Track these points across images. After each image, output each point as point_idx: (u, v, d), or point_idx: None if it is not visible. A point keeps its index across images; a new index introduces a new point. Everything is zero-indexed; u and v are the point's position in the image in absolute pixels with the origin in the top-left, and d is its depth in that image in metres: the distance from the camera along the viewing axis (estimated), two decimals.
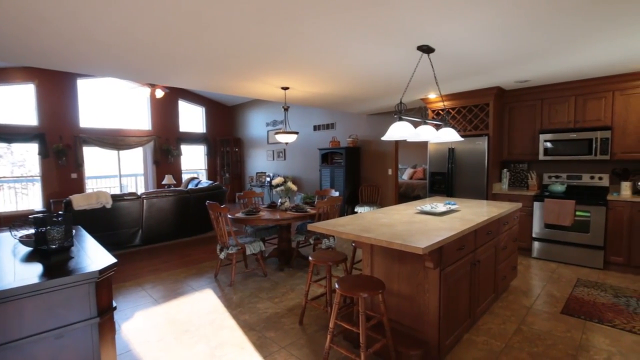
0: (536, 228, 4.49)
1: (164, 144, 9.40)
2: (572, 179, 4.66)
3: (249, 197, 4.93)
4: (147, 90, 6.82)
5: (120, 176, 8.93)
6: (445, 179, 5.22)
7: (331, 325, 2.10)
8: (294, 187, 4.34)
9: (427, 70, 3.62)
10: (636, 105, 4.03)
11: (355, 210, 7.05)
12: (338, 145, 7.51)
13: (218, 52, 3.04)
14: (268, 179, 9.46)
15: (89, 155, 8.27)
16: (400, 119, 2.56)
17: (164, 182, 8.83)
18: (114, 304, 1.77)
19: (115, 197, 4.89)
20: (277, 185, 4.39)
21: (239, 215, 3.93)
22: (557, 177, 4.79)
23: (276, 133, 4.48)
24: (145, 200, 5.17)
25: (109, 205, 4.74)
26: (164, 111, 9.43)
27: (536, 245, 4.52)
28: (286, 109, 4.55)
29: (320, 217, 3.88)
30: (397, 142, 6.88)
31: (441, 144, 5.20)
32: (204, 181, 7.86)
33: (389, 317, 2.33)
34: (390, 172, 7.00)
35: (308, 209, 4.25)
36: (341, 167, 7.23)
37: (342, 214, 6.89)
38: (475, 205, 3.40)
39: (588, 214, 4.10)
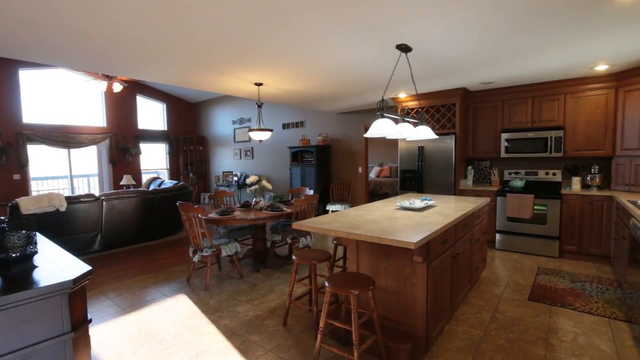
0: (499, 221, 4.77)
1: (121, 142, 8.79)
2: (530, 175, 5.01)
3: (220, 196, 4.75)
4: (104, 83, 6.33)
5: (72, 177, 8.22)
6: (415, 176, 5.38)
7: (321, 324, 2.07)
8: (269, 186, 4.24)
9: (402, 69, 3.69)
10: (584, 107, 4.41)
11: (327, 208, 7.06)
12: (308, 143, 7.48)
13: (194, 44, 2.88)
14: (235, 178, 9.21)
15: (34, 154, 7.51)
16: (383, 116, 2.58)
17: (122, 183, 8.26)
18: (89, 316, 1.61)
19: (70, 199, 4.48)
20: (252, 184, 4.27)
21: (213, 215, 3.77)
22: (516, 173, 5.12)
23: (249, 130, 4.35)
24: (104, 202, 4.79)
25: (63, 208, 4.33)
26: (121, 107, 8.82)
27: (499, 237, 4.81)
28: (260, 106, 4.43)
29: (298, 216, 3.82)
30: (366, 141, 6.99)
31: (411, 142, 5.36)
32: (168, 181, 7.46)
33: (378, 313, 2.34)
34: (360, 170, 7.09)
35: (284, 208, 4.18)
36: (312, 166, 7.21)
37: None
38: (449, 200, 3.53)
39: (545, 208, 4.42)
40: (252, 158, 9.15)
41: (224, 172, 9.68)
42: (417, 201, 3.21)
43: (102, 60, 3.31)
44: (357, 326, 1.94)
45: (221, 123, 9.89)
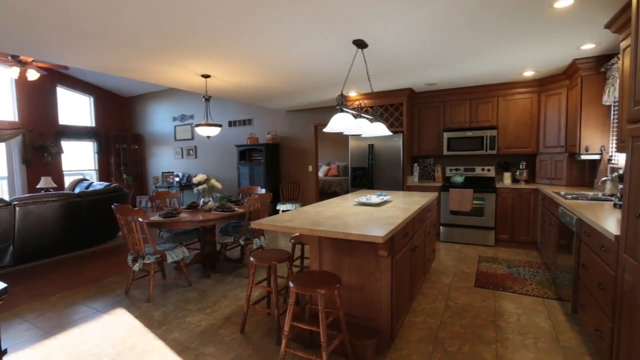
0: (443, 215, 5.07)
1: (38, 139, 7.67)
2: (469, 171, 5.41)
3: (162, 198, 4.35)
4: (15, 70, 5.42)
5: None
6: (366, 173, 5.49)
7: (286, 328, 1.96)
8: (219, 185, 3.98)
9: (356, 66, 3.72)
10: (513, 110, 4.88)
11: (277, 208, 6.90)
12: (257, 141, 7.25)
13: (133, 25, 2.55)
14: (177, 179, 8.58)
15: None
16: (342, 111, 2.54)
17: (40, 186, 7.19)
18: (3, 346, 1.30)
19: None
20: (199, 184, 3.97)
21: (156, 218, 3.42)
22: (457, 169, 5.49)
23: (196, 126, 4.03)
24: (17, 208, 4.10)
25: None
26: (38, 99, 7.68)
27: (443, 230, 5.10)
28: (207, 99, 4.14)
29: (251, 216, 3.64)
30: (317, 139, 6.98)
31: (362, 141, 5.46)
32: (97, 183, 6.67)
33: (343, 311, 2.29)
34: (310, 168, 7.06)
35: (236, 208, 3.95)
36: (261, 164, 6.99)
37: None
38: (403, 196, 3.63)
39: (482, 201, 4.80)
40: (196, 157, 8.61)
41: (163, 173, 8.96)
42: (374, 197, 3.24)
43: (6, 39, 2.79)
44: (325, 327, 1.86)
45: (160, 120, 9.15)
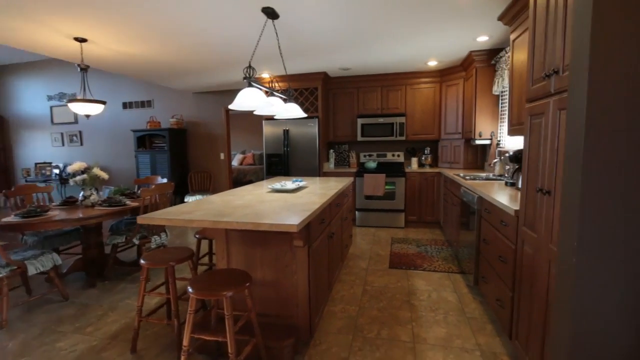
0: (358, 200, 5.15)
1: None
2: (381, 157, 5.59)
3: (26, 193, 3.44)
4: None
5: None
6: (281, 160, 5.26)
7: (185, 342, 1.62)
8: (104, 175, 3.29)
9: (268, 41, 3.41)
10: (419, 98, 5.16)
11: (186, 200, 6.22)
12: (158, 126, 6.38)
13: None
14: (57, 171, 7.12)
15: None
16: (250, 85, 2.23)
17: None
18: None
19: None
20: (76, 174, 3.23)
21: (10, 219, 2.64)
22: (370, 155, 5.64)
23: (69, 101, 3.22)
24: None
25: None
26: None
27: (358, 214, 5.20)
28: (84, 69, 3.34)
29: (148, 210, 3.09)
30: (228, 124, 6.46)
31: (276, 126, 5.19)
32: None
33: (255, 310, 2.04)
34: (222, 156, 6.52)
35: (127, 202, 3.33)
36: (164, 152, 6.19)
37: (172, 204, 5.94)
38: (319, 181, 3.50)
39: (393, 186, 5.00)
40: (81, 144, 7.24)
41: (37, 164, 7.35)
42: (289, 183, 3.03)
43: None
44: (233, 334, 1.58)
45: (30, 98, 7.41)
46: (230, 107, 2.24)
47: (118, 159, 7.01)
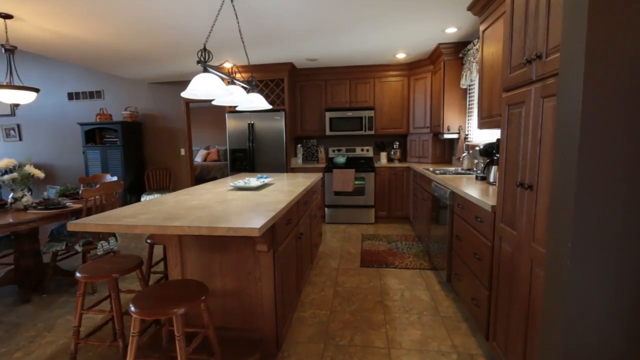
0: (327, 196, 5.01)
1: None
2: (350, 152, 5.48)
3: None
4: None
5: None
6: (246, 155, 4.98)
7: None
8: (39, 173, 2.88)
9: (228, 28, 3.13)
10: (388, 91, 5.08)
11: (143, 199, 5.76)
12: (110, 119, 5.83)
13: None
14: None
15: None
16: (206, 70, 1.98)
17: None
18: None
19: None
20: (5, 172, 2.79)
21: None
22: (339, 150, 5.50)
23: None
24: None
25: None
26: None
27: (328, 211, 5.06)
28: (10, 50, 2.87)
29: (91, 212, 2.74)
30: (188, 117, 6.04)
31: (241, 120, 4.90)
32: None
33: (213, 325, 1.81)
34: (183, 152, 6.11)
35: (68, 204, 2.94)
36: (117, 147, 5.67)
37: (124, 205, 5.46)
38: (286, 178, 3.30)
39: (363, 181, 4.90)
40: (20, 139, 6.49)
41: None
42: (253, 180, 2.80)
43: None
44: (185, 357, 1.36)
45: None
46: (183, 94, 1.97)
47: (64, 156, 6.35)
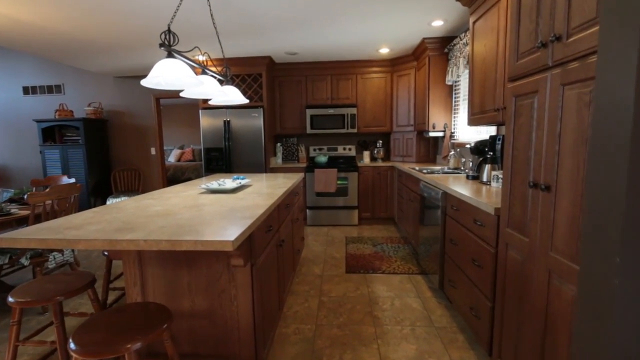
0: (309, 197, 4.78)
1: None
2: (332, 151, 5.27)
3: None
4: None
5: None
6: (222, 155, 4.67)
7: None
8: None
9: (200, 15, 2.84)
10: (370, 88, 4.92)
11: (108, 202, 5.30)
12: (71, 115, 5.35)
13: None
14: None
15: None
16: (170, 55, 1.70)
17: None
18: None
19: None
20: None
21: None
22: (320, 149, 5.28)
23: None
24: None
25: None
26: None
27: (310, 213, 4.83)
28: None
29: (41, 219, 2.38)
30: (159, 114, 5.65)
31: (216, 117, 4.58)
32: None
33: (180, 352, 1.55)
34: (153, 151, 5.70)
35: (14, 210, 2.56)
36: (79, 146, 5.21)
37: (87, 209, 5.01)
38: (266, 178, 3.05)
39: (346, 181, 4.71)
40: None
41: None
42: (229, 181, 2.54)
43: None
44: None
45: None
46: (143, 82, 1.69)
47: (19, 156, 5.79)
